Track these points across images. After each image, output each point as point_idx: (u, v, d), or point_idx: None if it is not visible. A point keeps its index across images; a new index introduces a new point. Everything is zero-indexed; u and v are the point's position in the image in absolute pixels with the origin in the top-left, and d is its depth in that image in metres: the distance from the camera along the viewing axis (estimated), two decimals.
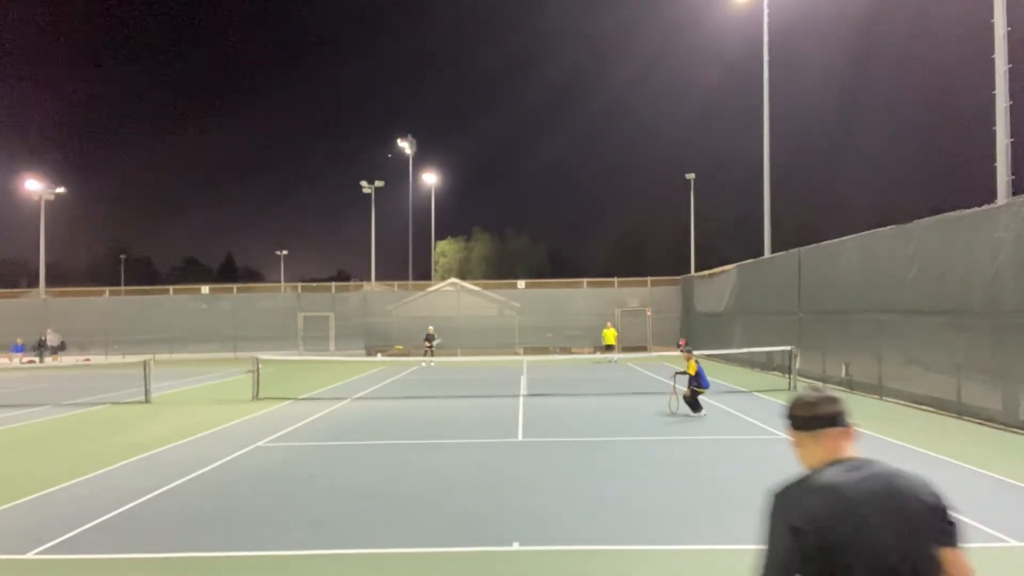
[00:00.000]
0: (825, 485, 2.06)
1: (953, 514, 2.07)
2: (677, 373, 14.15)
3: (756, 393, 17.13)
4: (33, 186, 40.49)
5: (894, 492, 2.05)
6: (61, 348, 35.35)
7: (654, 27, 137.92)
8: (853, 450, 2.20)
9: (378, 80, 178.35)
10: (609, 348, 28.30)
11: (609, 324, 29.67)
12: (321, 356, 31.97)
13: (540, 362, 28.10)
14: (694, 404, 13.48)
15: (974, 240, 12.66)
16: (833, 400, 2.25)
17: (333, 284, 43.26)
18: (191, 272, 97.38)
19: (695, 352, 14.05)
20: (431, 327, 28.98)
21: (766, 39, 27.35)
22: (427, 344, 28.13)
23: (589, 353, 32.30)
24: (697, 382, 13.46)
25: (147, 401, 16.93)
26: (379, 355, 33.27)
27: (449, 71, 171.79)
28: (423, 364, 26.96)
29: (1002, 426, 11.66)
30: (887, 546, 1.98)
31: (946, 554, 2.04)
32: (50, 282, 43.68)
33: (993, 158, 14.93)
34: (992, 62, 15.01)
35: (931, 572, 2.02)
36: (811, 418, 2.23)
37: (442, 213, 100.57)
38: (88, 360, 34.01)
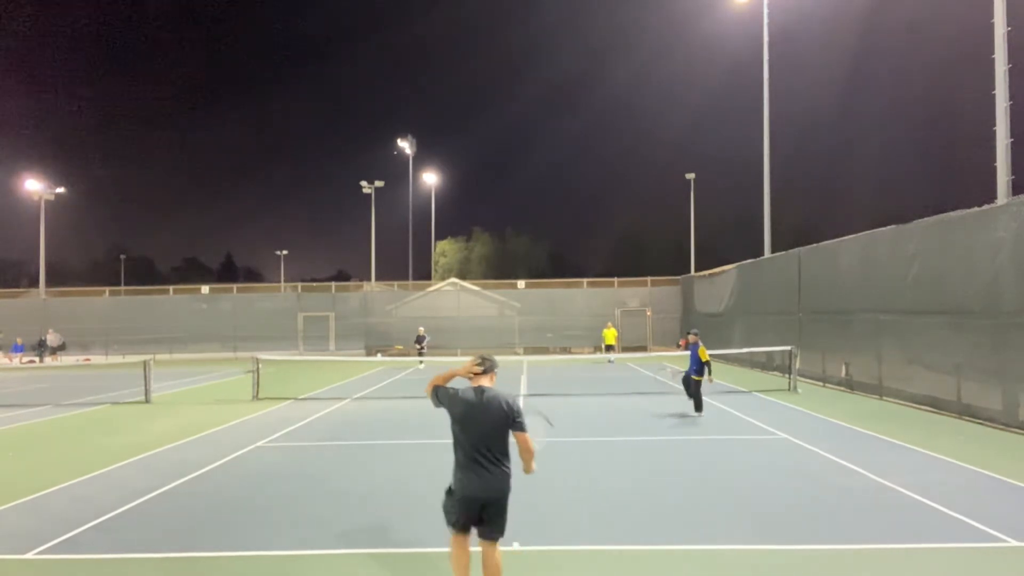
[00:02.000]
0: (464, 393, 4.75)
1: (520, 416, 4.71)
2: (693, 376, 13.54)
3: (756, 393, 17.13)
4: (33, 186, 40.48)
5: (491, 401, 4.69)
6: (61, 348, 35.36)
7: (654, 27, 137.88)
8: (488, 382, 4.84)
9: (378, 80, 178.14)
10: (609, 348, 28.26)
11: (609, 324, 29.63)
12: (321, 356, 31.98)
13: (540, 362, 28.10)
14: (698, 400, 13.46)
15: (974, 240, 12.66)
16: (490, 360, 4.93)
17: (333, 284, 43.22)
18: (191, 272, 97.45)
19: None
20: (421, 328, 28.40)
21: (766, 39, 27.36)
22: (418, 347, 27.38)
23: (590, 353, 32.30)
24: (701, 367, 13.39)
25: (147, 401, 16.93)
26: (379, 355, 33.27)
27: (449, 71, 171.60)
28: (420, 366, 26.71)
29: (1002, 426, 11.67)
30: (482, 422, 4.66)
31: (516, 434, 4.72)
32: (50, 282, 43.68)
33: (993, 158, 14.93)
34: (992, 62, 15.01)
35: (506, 439, 4.72)
36: (482, 371, 4.86)
37: (442, 213, 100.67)
38: (88, 360, 34.02)
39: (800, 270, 20.29)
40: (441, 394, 4.84)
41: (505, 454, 4.73)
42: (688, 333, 14.35)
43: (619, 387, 19.01)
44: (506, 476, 4.72)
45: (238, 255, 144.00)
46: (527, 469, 4.88)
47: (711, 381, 13.60)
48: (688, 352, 13.79)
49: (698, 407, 13.45)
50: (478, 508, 4.72)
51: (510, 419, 4.67)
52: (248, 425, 13.28)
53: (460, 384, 4.86)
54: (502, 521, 4.83)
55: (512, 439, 4.77)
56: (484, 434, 4.66)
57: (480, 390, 4.73)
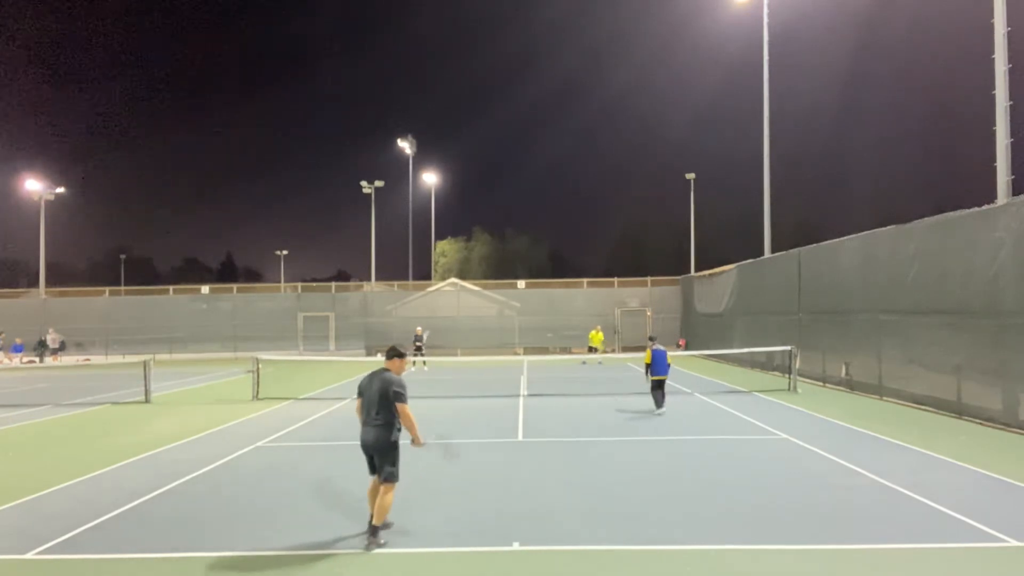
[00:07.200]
0: (371, 373, 6.68)
1: (399, 390, 6.39)
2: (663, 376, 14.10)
3: (756, 393, 17.13)
4: (33, 186, 40.45)
5: (382, 378, 6.50)
6: (61, 348, 35.32)
7: (654, 27, 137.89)
8: (393, 367, 6.65)
9: (378, 80, 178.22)
10: (593, 350, 27.75)
11: (598, 327, 29.02)
12: (321, 356, 31.97)
13: (540, 362, 28.07)
14: (655, 397, 13.98)
15: (974, 240, 12.66)
16: (399, 349, 6.81)
17: (333, 284, 43.19)
18: (191, 272, 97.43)
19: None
20: (419, 328, 27.71)
21: (766, 39, 27.36)
22: (415, 346, 26.48)
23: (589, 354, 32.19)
24: (650, 370, 13.96)
25: (147, 401, 16.93)
26: (379, 355, 33.22)
27: (449, 71, 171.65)
28: (424, 368, 26.43)
29: (1002, 426, 11.67)
30: (373, 392, 6.48)
31: (397, 405, 6.37)
32: (50, 282, 43.67)
33: (993, 158, 14.93)
34: (992, 62, 15.00)
35: (393, 409, 6.39)
36: (392, 356, 6.74)
37: (442, 213, 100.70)
38: (88, 360, 34.00)
39: (800, 270, 20.29)
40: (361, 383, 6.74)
41: (384, 417, 6.42)
42: (654, 339, 14.62)
43: (619, 387, 19.01)
44: (383, 431, 6.38)
45: (238, 255, 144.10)
46: (413, 440, 6.58)
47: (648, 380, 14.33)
48: (655, 357, 13.94)
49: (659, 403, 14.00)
50: (368, 455, 6.54)
51: (395, 391, 6.37)
52: (248, 425, 13.27)
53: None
54: (384, 467, 6.38)
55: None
56: (377, 397, 6.41)
57: (382, 371, 6.60)
